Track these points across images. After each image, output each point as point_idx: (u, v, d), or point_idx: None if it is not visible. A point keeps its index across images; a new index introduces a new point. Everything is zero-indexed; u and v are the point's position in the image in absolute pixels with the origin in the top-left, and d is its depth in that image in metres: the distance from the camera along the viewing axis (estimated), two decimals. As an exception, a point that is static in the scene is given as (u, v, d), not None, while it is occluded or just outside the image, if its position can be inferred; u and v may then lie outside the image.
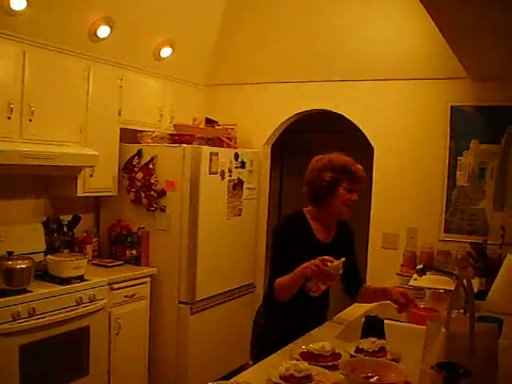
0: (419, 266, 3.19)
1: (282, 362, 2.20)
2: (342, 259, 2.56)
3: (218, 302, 4.93)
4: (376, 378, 2.14)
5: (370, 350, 2.41)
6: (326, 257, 2.56)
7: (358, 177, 2.86)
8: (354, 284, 3.13)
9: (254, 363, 2.57)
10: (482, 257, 4.04)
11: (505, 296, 3.50)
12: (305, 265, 2.58)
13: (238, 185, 5.01)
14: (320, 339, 2.51)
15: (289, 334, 2.69)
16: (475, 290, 3.73)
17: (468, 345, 1.81)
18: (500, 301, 3.47)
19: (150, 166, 4.71)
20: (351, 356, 2.38)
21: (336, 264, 2.54)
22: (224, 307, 5.00)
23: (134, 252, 4.74)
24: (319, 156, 2.96)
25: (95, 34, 4.32)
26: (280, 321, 2.84)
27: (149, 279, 4.62)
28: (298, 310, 2.83)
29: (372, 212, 5.05)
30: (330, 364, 2.27)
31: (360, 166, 2.89)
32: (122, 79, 4.69)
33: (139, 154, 4.77)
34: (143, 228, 4.73)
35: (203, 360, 4.72)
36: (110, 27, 4.37)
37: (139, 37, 4.75)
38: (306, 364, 2.16)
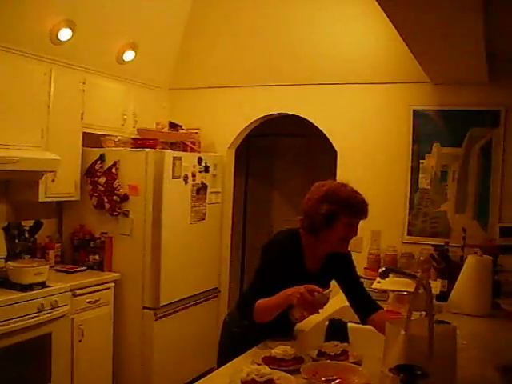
0: (382, 269, 3.20)
1: (244, 366, 2.19)
2: (329, 289, 2.53)
3: (183, 306, 4.90)
4: (338, 381, 2.15)
5: (332, 354, 2.42)
6: (312, 286, 2.43)
7: (358, 209, 2.61)
8: (366, 307, 2.88)
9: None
10: (444, 259, 4.08)
11: (465, 297, 3.55)
12: (289, 291, 2.45)
13: (201, 189, 4.99)
14: (282, 343, 2.50)
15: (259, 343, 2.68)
16: (437, 291, 3.79)
17: (427, 347, 1.82)
18: (461, 302, 3.53)
19: (113, 171, 4.67)
20: (313, 360, 2.39)
21: (323, 294, 2.44)
22: (189, 312, 4.97)
23: (97, 257, 4.70)
24: (319, 183, 2.72)
25: (56, 37, 4.26)
26: (256, 330, 2.71)
27: (112, 284, 4.57)
28: (277, 326, 2.73)
29: (336, 215, 5.04)
30: (292, 368, 2.27)
31: (362, 197, 2.65)
32: (84, 83, 4.63)
33: (102, 158, 4.73)
34: (106, 233, 4.69)
35: (168, 365, 4.69)
36: (72, 30, 4.32)
37: (101, 40, 4.71)
38: (267, 368, 2.15)
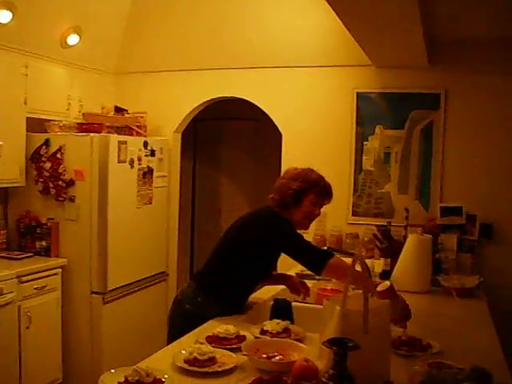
0: (323, 248, 3.30)
1: (186, 346, 2.24)
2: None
3: (131, 290, 4.91)
4: (278, 357, 2.20)
5: (274, 332, 2.47)
6: None
7: (325, 191, 2.95)
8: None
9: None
10: (387, 238, 4.17)
11: (407, 275, 3.65)
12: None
13: (147, 173, 4.98)
14: (227, 323, 2.55)
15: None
16: (380, 270, 3.89)
17: (362, 321, 1.89)
18: (402, 279, 3.62)
19: (58, 156, 4.63)
20: (256, 338, 2.43)
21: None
22: (137, 296, 4.99)
23: (43, 243, 4.65)
24: (292, 167, 3.05)
25: (-4, 20, 4.19)
26: (212, 308, 2.84)
27: (59, 270, 4.54)
28: (235, 299, 2.94)
29: (282, 197, 5.11)
30: (234, 346, 2.32)
31: (329, 183, 2.98)
32: (27, 67, 4.55)
33: (47, 143, 4.68)
34: (52, 219, 4.65)
35: (117, 349, 4.70)
36: (12, 12, 4.23)
37: (44, 23, 4.63)
38: (209, 347, 2.20)
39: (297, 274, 3.86)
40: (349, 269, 2.50)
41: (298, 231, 2.87)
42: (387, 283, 2.52)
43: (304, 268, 3.77)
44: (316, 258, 2.71)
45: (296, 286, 3.20)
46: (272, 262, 3.07)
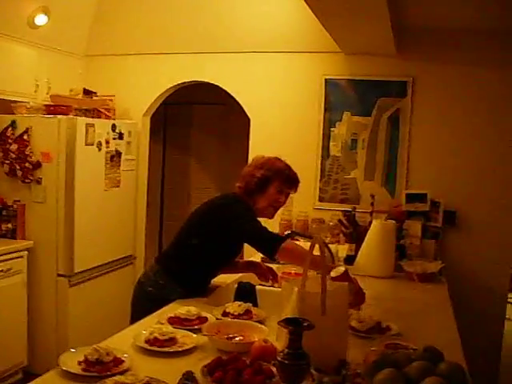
0: (286, 232, 3.33)
1: (147, 326, 2.26)
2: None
3: (98, 274, 4.90)
4: (239, 338, 2.24)
5: (236, 313, 2.51)
6: None
7: (291, 180, 2.98)
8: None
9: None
10: (352, 224, 4.23)
11: (371, 260, 3.71)
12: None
13: (115, 156, 4.96)
14: (190, 304, 2.57)
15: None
16: (344, 255, 3.94)
17: (319, 302, 1.93)
18: (366, 264, 3.69)
19: (25, 138, 4.58)
20: (217, 319, 2.46)
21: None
22: (104, 279, 4.99)
23: (9, 225, 4.62)
24: (259, 155, 3.08)
25: (-39, -1, 4.13)
26: (173, 291, 2.85)
27: (26, 253, 4.52)
28: (197, 282, 2.95)
29: (250, 182, 5.14)
30: (196, 327, 2.34)
31: (295, 172, 3.01)
32: (-7, 47, 4.51)
33: (13, 125, 4.62)
34: (19, 201, 4.61)
35: (84, 332, 4.69)
36: (-23, -9, 4.19)
37: (11, 2, 4.56)
38: (170, 327, 2.22)
39: (262, 259, 3.89)
40: (302, 252, 2.58)
41: (262, 219, 2.90)
42: (341, 269, 2.56)
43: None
44: (269, 242, 2.71)
45: (264, 272, 3.24)
46: (233, 248, 3.05)
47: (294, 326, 1.65)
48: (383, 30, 3.92)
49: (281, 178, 2.93)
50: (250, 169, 2.98)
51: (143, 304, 2.93)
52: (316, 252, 2.10)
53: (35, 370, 4.58)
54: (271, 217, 3.05)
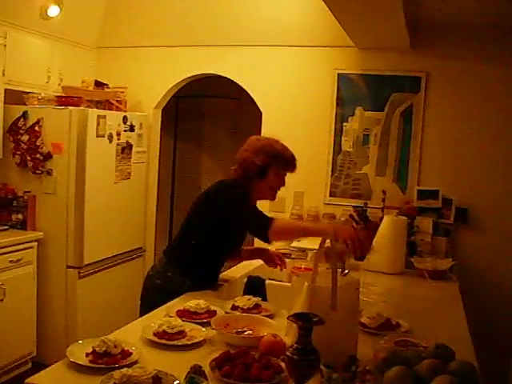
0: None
1: (156, 319, 2.25)
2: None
3: (107, 265, 4.90)
4: (247, 332, 2.22)
5: (245, 307, 2.50)
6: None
7: (289, 163, 2.96)
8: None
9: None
10: (363, 219, 4.21)
11: (381, 256, 3.68)
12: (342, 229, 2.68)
13: (126, 148, 4.96)
14: (199, 298, 2.56)
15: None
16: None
17: (330, 297, 1.91)
18: (376, 260, 3.66)
19: (36, 129, 4.59)
20: (226, 313, 2.45)
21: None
22: (113, 271, 4.98)
23: (19, 216, 4.62)
24: (255, 137, 3.05)
25: (-26, -11, 4.13)
26: (180, 285, 2.87)
27: (35, 244, 4.53)
28: (202, 277, 2.94)
29: (260, 176, 5.12)
30: (205, 321, 2.34)
31: (292, 152, 3.00)
32: (5, 38, 4.48)
33: (25, 115, 4.63)
34: (29, 192, 4.62)
35: (92, 324, 4.70)
36: (-9, -18, 4.19)
37: (23, -7, 4.57)
38: (179, 320, 2.21)
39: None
40: (291, 228, 2.64)
41: (266, 201, 2.94)
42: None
43: (279, 246, 3.85)
44: (260, 226, 2.74)
45: (272, 258, 3.22)
46: (234, 236, 3.03)
47: (304, 321, 1.63)
48: (397, 25, 3.89)
49: (279, 161, 2.92)
50: (248, 154, 2.93)
51: (152, 297, 2.94)
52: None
53: (44, 360, 4.58)
54: (273, 198, 3.05)
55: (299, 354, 1.64)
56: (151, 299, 2.91)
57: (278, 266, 3.21)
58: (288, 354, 1.66)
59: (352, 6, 3.52)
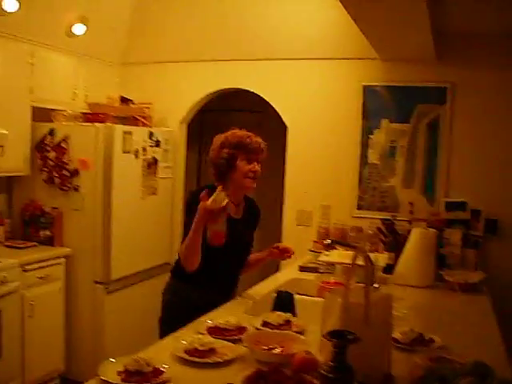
0: (327, 241, 3.27)
1: (186, 336, 2.23)
2: (219, 187, 2.66)
3: (134, 281, 4.91)
4: (279, 349, 2.20)
5: (276, 324, 2.47)
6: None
7: (252, 148, 2.94)
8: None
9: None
10: (391, 232, 4.17)
11: (411, 269, 3.64)
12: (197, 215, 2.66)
13: (152, 164, 4.98)
14: (229, 314, 2.55)
15: (196, 310, 2.72)
16: (384, 264, 3.87)
17: (363, 314, 1.88)
18: (406, 274, 3.62)
19: (63, 145, 4.63)
20: (257, 329, 2.43)
21: (217, 194, 2.60)
22: (140, 286, 4.99)
23: (47, 232, 4.66)
24: (218, 135, 3.06)
25: (1, 8, 4.16)
26: (188, 296, 2.89)
27: (63, 260, 4.55)
28: (207, 285, 2.90)
29: (286, 189, 5.14)
30: (235, 338, 2.31)
31: (255, 138, 2.98)
32: (33, 56, 4.55)
33: (52, 132, 4.68)
34: (57, 208, 4.65)
35: (120, 340, 4.70)
36: (18, 1, 4.22)
37: (50, 12, 4.61)
38: (210, 338, 2.20)
39: (300, 266, 3.90)
40: (183, 248, 2.73)
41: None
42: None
43: (304, 261, 3.86)
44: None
45: (276, 255, 3.17)
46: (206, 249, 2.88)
47: (339, 338, 1.61)
48: (423, 36, 3.86)
49: (244, 149, 2.92)
50: (214, 152, 2.97)
51: (166, 313, 3.00)
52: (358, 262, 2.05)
53: (72, 375, 4.62)
54: (251, 186, 2.99)
55: (334, 371, 1.61)
56: (166, 315, 2.99)
57: (286, 257, 3.17)
58: (322, 371, 1.63)
59: (377, 18, 3.51)
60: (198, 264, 2.76)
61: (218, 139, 3.01)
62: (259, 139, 3.01)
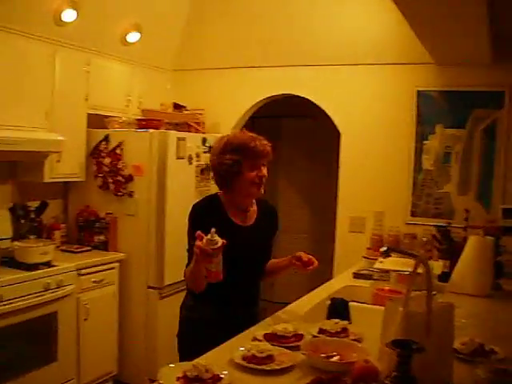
0: (383, 249, 3.21)
1: (245, 343, 2.23)
2: (213, 229, 2.27)
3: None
4: (337, 357, 2.18)
5: (333, 331, 2.44)
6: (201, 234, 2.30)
7: (258, 152, 2.66)
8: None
9: (180, 357, 2.62)
10: (446, 239, 4.10)
11: (466, 277, 3.56)
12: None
13: (206, 169, 4.99)
14: (285, 321, 2.54)
15: (214, 323, 2.64)
16: (439, 272, 3.81)
17: (424, 323, 1.85)
18: (462, 282, 3.54)
19: (118, 151, 4.69)
20: (314, 337, 2.41)
21: (208, 238, 2.27)
22: (193, 292, 5.00)
23: (102, 237, 4.73)
24: (220, 137, 2.82)
25: (60, 18, 4.26)
26: (204, 310, 2.71)
27: (117, 264, 4.62)
28: (222, 299, 2.69)
29: (339, 196, 5.10)
30: (292, 345, 2.30)
31: (261, 141, 2.69)
32: (88, 64, 4.64)
33: (106, 139, 4.75)
34: (111, 213, 4.72)
35: (172, 345, 4.69)
36: (76, 11, 4.32)
37: (105, 21, 4.71)
38: (268, 345, 2.19)
39: (354, 273, 3.86)
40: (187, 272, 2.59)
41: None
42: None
43: (358, 268, 3.82)
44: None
45: (298, 267, 2.76)
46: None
47: (403, 348, 1.58)
48: (481, 40, 3.80)
49: (249, 154, 2.63)
50: (215, 158, 2.69)
51: (183, 329, 2.83)
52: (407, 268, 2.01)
53: (124, 378, 4.68)
54: (259, 192, 2.73)
55: (398, 382, 1.58)
56: (183, 331, 2.82)
57: (311, 266, 2.74)
58: (386, 381, 1.60)
59: (433, 19, 3.45)
60: (206, 285, 2.54)
61: (220, 143, 2.73)
62: (264, 141, 2.70)
